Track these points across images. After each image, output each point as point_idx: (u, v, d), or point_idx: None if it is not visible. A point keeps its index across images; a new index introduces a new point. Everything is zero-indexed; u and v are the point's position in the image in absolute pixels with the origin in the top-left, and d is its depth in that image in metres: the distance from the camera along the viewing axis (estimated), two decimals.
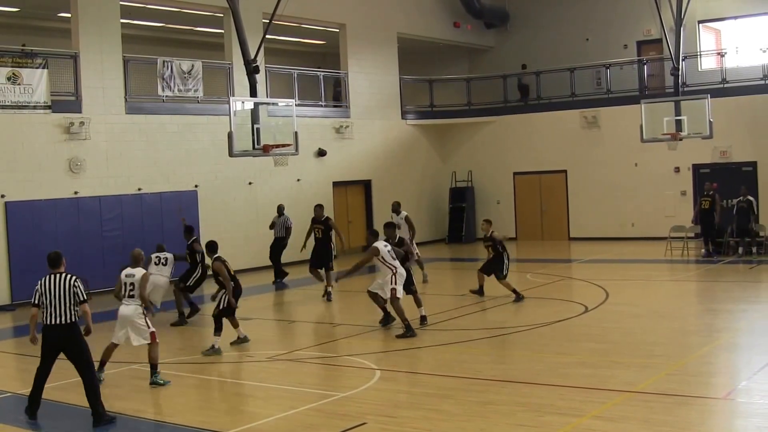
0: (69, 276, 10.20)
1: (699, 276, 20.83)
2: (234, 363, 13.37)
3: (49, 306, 10.07)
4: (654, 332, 13.87)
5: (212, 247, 14.54)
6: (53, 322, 10.05)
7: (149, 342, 11.73)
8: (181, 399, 11.01)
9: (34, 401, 10.35)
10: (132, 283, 11.82)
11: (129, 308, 11.80)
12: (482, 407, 9.84)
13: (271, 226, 22.50)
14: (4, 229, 19.79)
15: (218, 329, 13.85)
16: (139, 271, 11.91)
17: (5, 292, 19.76)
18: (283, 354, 13.46)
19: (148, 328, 11.70)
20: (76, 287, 10.11)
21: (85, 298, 10.16)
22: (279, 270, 22.39)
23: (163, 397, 11.09)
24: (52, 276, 10.21)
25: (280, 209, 22.52)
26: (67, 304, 10.06)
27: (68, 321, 10.05)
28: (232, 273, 14.07)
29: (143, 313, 11.79)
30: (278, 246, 22.43)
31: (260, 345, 14.36)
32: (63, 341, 10.11)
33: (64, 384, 11.78)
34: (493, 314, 16.33)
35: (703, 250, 23.47)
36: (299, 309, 19.35)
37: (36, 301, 10.25)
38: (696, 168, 27.40)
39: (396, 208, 20.48)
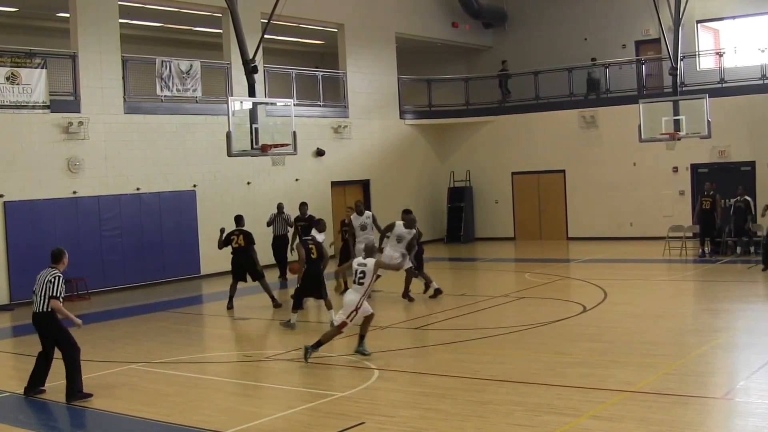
0: (53, 272, 11.05)
1: (697, 276, 20.83)
2: (232, 363, 13.37)
3: (34, 295, 11.14)
4: (652, 332, 13.86)
5: (319, 226, 16.33)
6: (34, 310, 11.17)
7: (337, 326, 12.45)
8: (179, 398, 10.99)
9: (32, 379, 11.38)
10: (363, 272, 12.34)
11: (352, 295, 12.35)
12: (480, 407, 9.84)
13: (269, 224, 22.37)
14: (2, 229, 19.78)
15: (295, 306, 15.38)
16: (370, 261, 12.37)
17: (4, 292, 19.75)
18: (281, 353, 13.45)
19: (346, 316, 12.24)
20: (50, 282, 10.96)
21: (55, 294, 10.93)
22: (284, 268, 22.37)
23: (161, 397, 11.08)
24: (46, 269, 11.18)
25: (280, 207, 22.44)
26: (43, 296, 11.01)
27: (41, 310, 11.03)
28: (313, 256, 15.13)
29: (359, 301, 12.22)
30: (282, 244, 22.38)
31: (258, 344, 14.36)
32: (41, 328, 11.20)
33: (62, 384, 11.73)
34: (491, 314, 16.32)
35: (699, 251, 23.48)
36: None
37: (34, 289, 11.26)
38: (694, 168, 27.41)
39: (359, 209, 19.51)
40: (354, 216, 18.88)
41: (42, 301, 10.99)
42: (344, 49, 28.78)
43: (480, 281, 22.57)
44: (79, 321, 11.16)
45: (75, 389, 10.94)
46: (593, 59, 30.34)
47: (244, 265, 18.04)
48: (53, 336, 11.11)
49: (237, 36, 19.26)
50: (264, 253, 23.09)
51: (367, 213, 19.06)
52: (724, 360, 12.09)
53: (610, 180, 28.94)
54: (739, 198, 23.20)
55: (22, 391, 11.40)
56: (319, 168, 27.37)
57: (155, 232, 22.61)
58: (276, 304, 17.88)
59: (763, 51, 27.00)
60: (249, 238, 18.17)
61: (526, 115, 30.62)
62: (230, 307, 18.02)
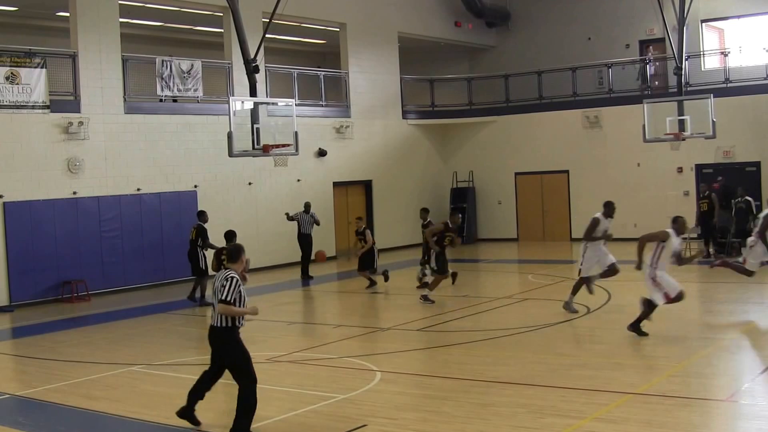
0: (227, 273, 9.19)
1: (701, 277, 20.68)
2: None
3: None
4: (656, 333, 13.76)
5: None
6: (210, 323, 9.34)
7: None
8: (180, 400, 10.86)
9: (188, 402, 9.60)
10: None
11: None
12: (483, 409, 9.76)
13: (291, 218, 22.91)
14: (2, 230, 19.67)
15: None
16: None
17: (3, 293, 19.64)
18: (283, 355, 13.35)
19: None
20: (222, 286, 9.06)
21: (225, 297, 8.96)
22: (306, 269, 22.82)
23: (162, 399, 10.98)
24: (221, 271, 9.42)
25: (307, 206, 22.76)
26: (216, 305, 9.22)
27: (218, 324, 9.15)
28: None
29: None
30: (307, 242, 22.65)
31: (260, 346, 14.26)
32: (213, 344, 9.32)
33: (62, 386, 11.76)
34: (494, 315, 16.23)
35: (704, 251, 23.35)
36: (299, 310, 19.27)
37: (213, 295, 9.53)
38: (699, 168, 27.27)
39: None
40: (601, 217, 17.02)
41: (213, 311, 9.25)
42: (346, 48, 28.68)
43: (483, 282, 22.47)
44: (251, 310, 9.26)
45: (242, 429, 9.03)
46: (648, 53, 29.83)
47: (191, 258, 19.14)
48: (228, 358, 9.21)
49: (238, 35, 19.16)
50: (284, 252, 23.21)
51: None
52: (729, 362, 12.01)
53: (614, 180, 28.80)
54: (740, 199, 23.08)
55: (177, 413, 9.67)
56: (321, 168, 27.27)
57: (156, 233, 22.51)
58: (192, 298, 18.94)
59: None
60: (200, 233, 19.09)
61: (530, 115, 30.53)
62: (192, 299, 19.01)
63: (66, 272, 20.39)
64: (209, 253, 18.79)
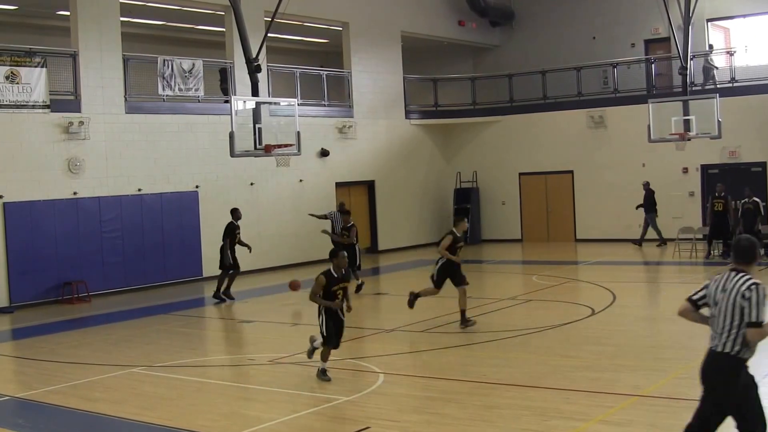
0: (747, 280, 6.63)
1: (707, 278, 20.51)
2: (235, 366, 13.19)
3: (712, 318, 6.86)
4: (661, 335, 13.70)
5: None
6: (711, 346, 6.80)
7: None
8: (181, 402, 10.83)
9: None
10: None
11: None
12: (487, 411, 9.67)
13: (325, 217, 21.71)
14: (2, 230, 19.56)
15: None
16: None
17: (3, 294, 19.53)
18: (286, 357, 13.25)
19: None
20: (745, 299, 6.57)
21: (756, 319, 6.50)
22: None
23: (162, 401, 10.91)
24: (728, 274, 6.86)
25: (341, 206, 22.47)
26: (727, 321, 6.67)
27: (719, 349, 6.69)
28: None
29: None
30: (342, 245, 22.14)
31: (262, 348, 14.20)
32: (704, 372, 6.82)
33: (62, 387, 11.69)
34: (497, 317, 16.11)
35: (706, 252, 23.20)
36: (303, 311, 19.15)
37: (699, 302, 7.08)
38: (704, 168, 27.13)
39: None
40: None
41: (724, 331, 6.67)
42: (349, 47, 28.57)
43: (487, 283, 22.35)
44: None
45: None
46: (710, 46, 28.67)
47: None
48: (724, 395, 6.73)
49: (240, 34, 19.09)
50: (286, 253, 22.96)
51: None
52: None
53: (618, 181, 28.67)
54: (747, 200, 22.90)
55: None
56: (324, 168, 27.16)
57: (157, 234, 22.38)
58: (217, 295, 19.22)
59: None
60: (226, 230, 19.43)
61: (534, 115, 30.40)
62: (221, 296, 19.30)
63: (66, 273, 20.27)
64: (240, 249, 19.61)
